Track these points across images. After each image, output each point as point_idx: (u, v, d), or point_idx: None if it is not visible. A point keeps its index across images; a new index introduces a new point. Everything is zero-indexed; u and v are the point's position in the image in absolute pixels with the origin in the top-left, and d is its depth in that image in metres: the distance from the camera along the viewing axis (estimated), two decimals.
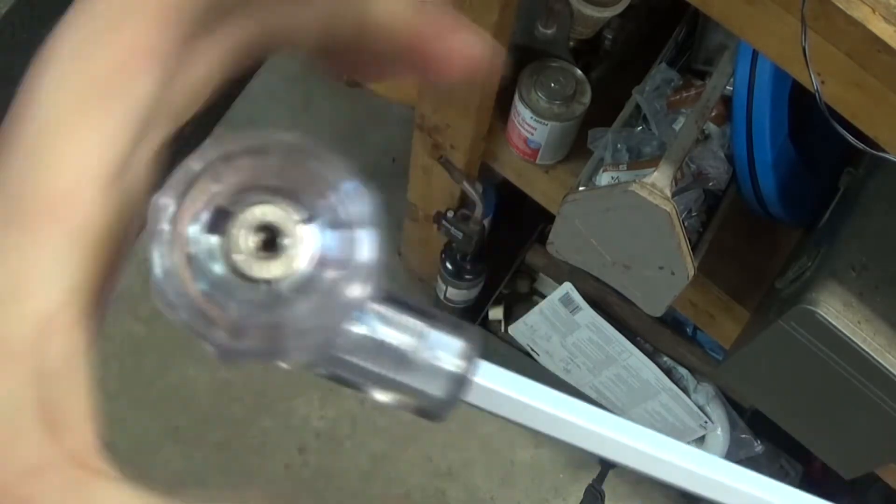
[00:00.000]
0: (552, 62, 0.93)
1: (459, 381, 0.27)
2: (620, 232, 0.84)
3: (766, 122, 0.84)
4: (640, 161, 0.90)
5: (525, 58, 0.94)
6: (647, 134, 0.93)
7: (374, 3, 0.24)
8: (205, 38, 0.23)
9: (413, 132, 1.07)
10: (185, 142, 0.25)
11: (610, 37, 1.00)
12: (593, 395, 1.32)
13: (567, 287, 1.19)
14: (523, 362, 1.34)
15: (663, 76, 0.94)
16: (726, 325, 0.98)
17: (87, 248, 0.21)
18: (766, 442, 1.25)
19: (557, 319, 1.24)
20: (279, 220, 0.23)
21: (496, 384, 0.28)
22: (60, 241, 0.20)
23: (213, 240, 0.23)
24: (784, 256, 0.93)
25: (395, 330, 0.27)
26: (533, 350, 1.33)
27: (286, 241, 0.23)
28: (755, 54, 0.81)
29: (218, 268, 0.23)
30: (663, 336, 1.22)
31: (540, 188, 1.03)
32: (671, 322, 1.22)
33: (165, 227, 0.23)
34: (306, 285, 0.23)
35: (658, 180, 0.78)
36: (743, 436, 1.25)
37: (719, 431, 1.24)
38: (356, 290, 0.24)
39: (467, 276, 1.27)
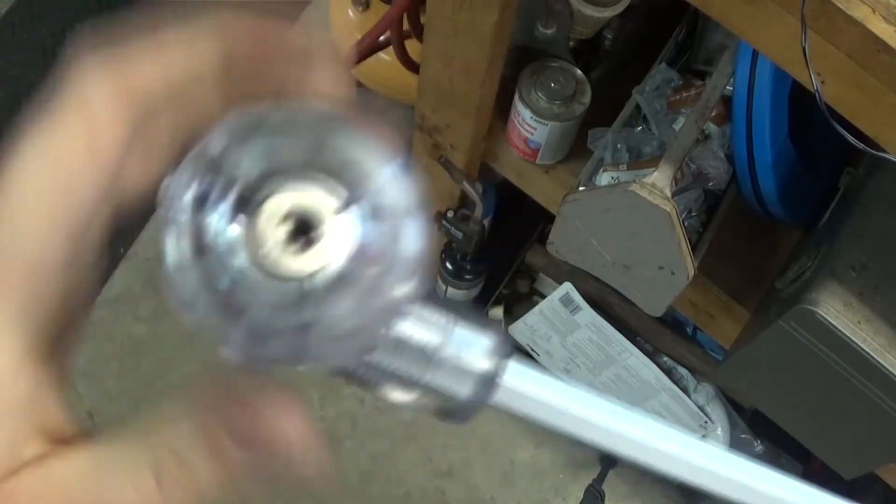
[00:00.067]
0: (552, 62, 0.93)
1: (487, 381, 0.25)
2: (620, 232, 0.84)
3: (766, 122, 0.84)
4: (640, 161, 0.90)
5: (525, 58, 0.94)
6: (647, 134, 0.93)
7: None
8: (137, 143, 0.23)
9: (413, 132, 1.07)
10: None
11: (610, 37, 1.00)
12: None
13: (567, 287, 1.19)
14: (523, 362, 1.34)
15: (663, 76, 0.94)
16: (726, 325, 0.98)
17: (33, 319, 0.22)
18: (766, 442, 1.25)
19: (557, 319, 1.24)
20: (312, 208, 0.20)
21: (528, 385, 0.26)
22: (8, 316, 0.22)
23: (236, 230, 0.20)
24: (784, 256, 0.93)
25: (419, 326, 0.24)
26: (533, 350, 1.33)
27: (320, 232, 0.20)
28: (755, 54, 0.80)
29: (241, 262, 0.20)
30: (663, 336, 1.22)
31: (540, 188, 1.03)
32: (671, 322, 1.22)
33: (181, 214, 0.20)
34: (342, 283, 0.20)
35: (658, 180, 0.78)
36: (743, 436, 1.25)
37: (719, 431, 1.24)
38: (400, 289, 0.20)
39: (467, 276, 1.27)
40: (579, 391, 0.26)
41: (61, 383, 0.24)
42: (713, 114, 0.86)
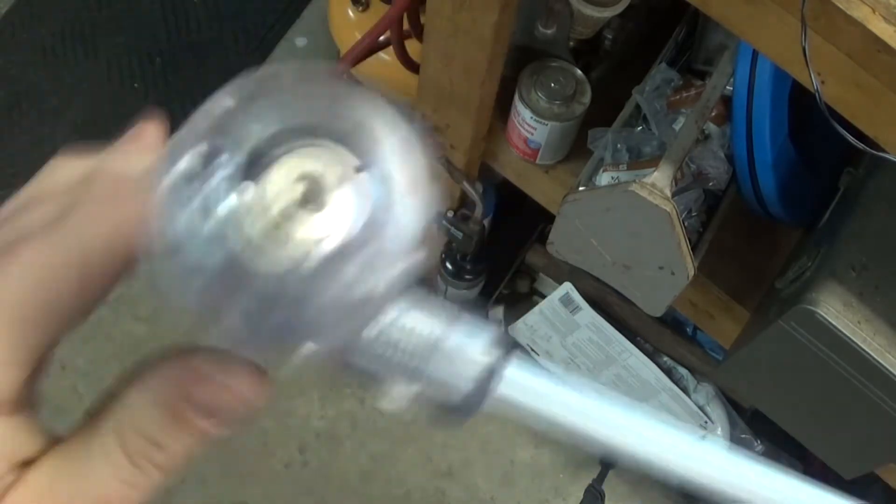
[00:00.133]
0: (552, 62, 0.93)
1: (492, 374, 0.24)
2: (620, 232, 0.84)
3: (766, 122, 0.84)
4: (640, 161, 0.90)
5: (525, 58, 0.94)
6: (647, 134, 0.93)
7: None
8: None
9: None
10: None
11: (610, 37, 1.00)
12: None
13: (567, 287, 1.19)
14: None
15: (663, 76, 0.94)
16: (726, 325, 0.98)
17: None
18: (766, 442, 1.25)
19: (557, 319, 1.24)
20: (321, 174, 0.19)
21: (531, 378, 0.24)
22: None
23: (245, 193, 0.19)
24: (784, 256, 0.93)
25: (423, 314, 0.23)
26: (533, 350, 1.33)
27: (328, 198, 0.19)
28: (755, 54, 0.80)
29: (247, 228, 0.19)
30: (663, 336, 1.22)
31: (540, 188, 1.03)
32: (671, 322, 1.22)
33: (184, 178, 0.19)
34: (349, 251, 0.19)
35: (658, 180, 0.78)
36: (743, 436, 1.25)
37: (719, 431, 1.24)
38: (407, 259, 0.20)
39: (467, 276, 1.27)
40: (583, 387, 0.26)
41: (33, 411, 0.25)
42: (713, 114, 0.86)
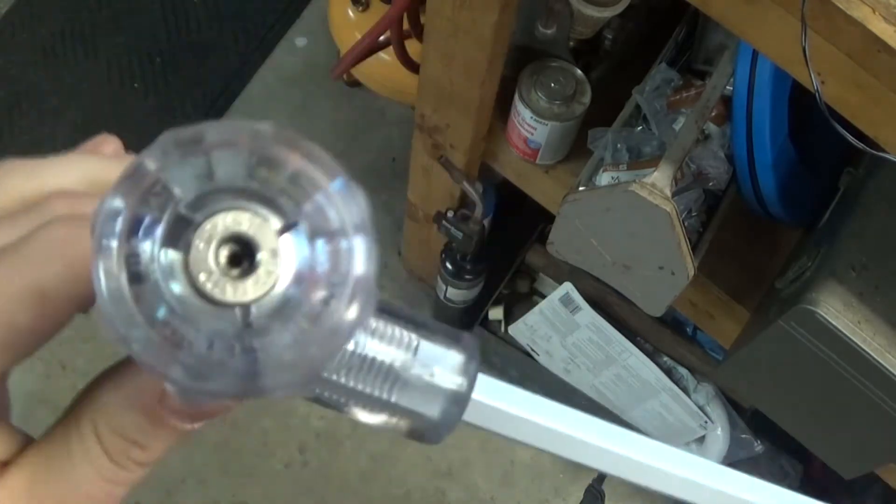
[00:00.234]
0: (552, 62, 0.93)
1: (458, 400, 0.23)
2: (620, 232, 0.84)
3: (766, 122, 0.84)
4: (640, 161, 0.90)
5: (525, 58, 0.94)
6: (647, 134, 0.93)
7: None
8: None
9: (413, 132, 1.07)
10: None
11: (610, 37, 1.00)
12: (593, 396, 1.32)
13: (567, 287, 1.19)
14: (523, 362, 1.34)
15: (663, 76, 0.94)
16: (726, 325, 0.98)
17: None
18: (766, 442, 1.25)
19: (557, 319, 1.24)
20: (253, 230, 0.19)
21: (498, 401, 0.24)
22: None
23: (173, 255, 0.18)
24: (784, 256, 0.93)
25: (384, 343, 0.23)
26: (533, 350, 1.33)
27: (262, 256, 0.19)
28: (755, 54, 0.80)
29: (179, 290, 0.18)
30: (663, 336, 1.22)
31: (540, 188, 1.03)
32: (671, 322, 1.22)
33: (112, 240, 0.18)
34: (288, 308, 0.19)
35: (658, 180, 0.78)
36: (743, 436, 1.25)
37: (719, 431, 1.24)
38: (351, 312, 0.19)
39: (467, 276, 1.27)
40: (553, 404, 0.25)
41: (4, 413, 0.26)
42: (713, 114, 0.86)
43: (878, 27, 0.57)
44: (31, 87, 1.53)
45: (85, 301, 0.23)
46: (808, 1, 0.57)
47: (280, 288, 0.19)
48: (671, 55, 0.97)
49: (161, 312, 0.18)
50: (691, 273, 0.83)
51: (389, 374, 0.23)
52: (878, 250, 0.75)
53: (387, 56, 1.18)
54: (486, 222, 1.17)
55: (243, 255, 0.19)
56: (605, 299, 1.19)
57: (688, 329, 1.23)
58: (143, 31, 1.60)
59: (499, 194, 1.21)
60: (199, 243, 0.18)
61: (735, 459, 1.25)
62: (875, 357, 0.70)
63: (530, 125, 0.93)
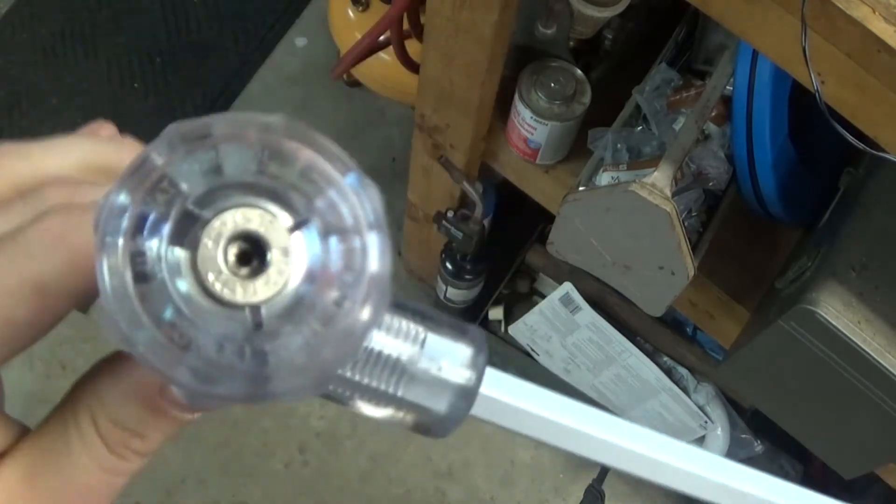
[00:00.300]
0: (552, 62, 0.93)
1: (466, 395, 0.23)
2: (620, 232, 0.84)
3: (766, 122, 0.84)
4: (640, 161, 0.90)
5: (525, 58, 0.94)
6: (647, 134, 0.93)
7: None
8: None
9: (413, 132, 1.07)
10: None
11: (610, 37, 1.00)
12: (593, 396, 1.32)
13: (567, 287, 1.19)
14: (523, 362, 1.34)
15: (663, 76, 0.94)
16: (726, 325, 0.98)
17: None
18: (766, 442, 1.25)
19: (557, 319, 1.24)
20: (264, 228, 0.18)
21: (506, 395, 0.24)
22: None
23: (180, 253, 0.18)
24: (784, 256, 0.93)
25: (390, 336, 0.22)
26: (533, 350, 1.33)
27: (273, 253, 0.18)
28: (755, 54, 0.80)
29: (186, 289, 0.17)
30: (663, 336, 1.22)
31: (540, 188, 1.03)
32: (671, 322, 1.22)
33: (118, 238, 0.17)
34: (300, 309, 0.18)
35: (658, 180, 0.78)
36: (743, 436, 1.25)
37: (719, 431, 1.24)
38: (365, 313, 0.18)
39: (467, 276, 1.27)
40: (561, 398, 0.25)
41: None
42: (713, 114, 0.86)
43: (878, 27, 0.57)
44: (31, 87, 1.53)
45: (84, 294, 0.23)
46: (808, 1, 0.57)
47: (291, 288, 0.18)
48: (671, 55, 0.97)
49: (168, 313, 0.17)
50: (691, 273, 0.83)
51: (396, 368, 0.22)
52: (878, 250, 0.75)
53: (387, 56, 1.18)
54: (486, 222, 1.17)
55: (252, 253, 0.18)
56: (605, 299, 1.19)
57: (688, 329, 1.23)
58: (143, 31, 1.60)
59: (499, 194, 1.21)
60: (207, 241, 0.18)
61: (735, 459, 1.24)
62: (875, 357, 0.70)
63: (530, 125, 0.93)
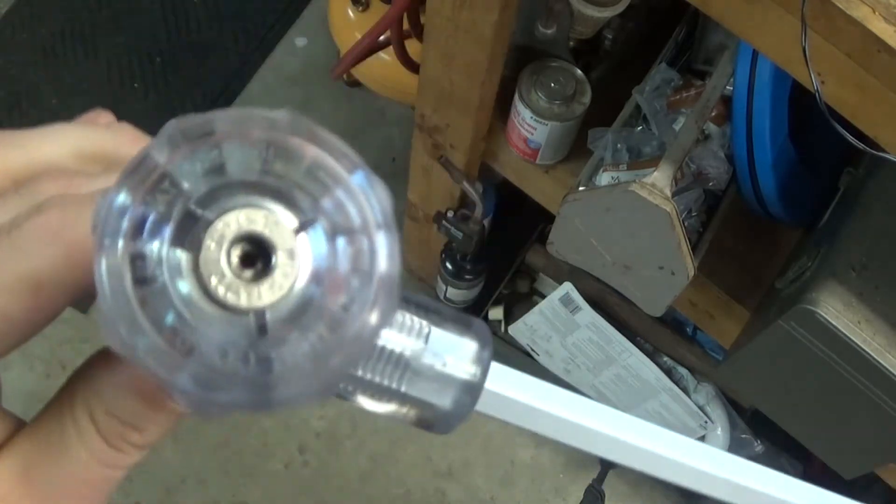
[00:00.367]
0: (552, 62, 0.93)
1: (471, 390, 0.22)
2: (620, 232, 0.84)
3: (766, 122, 0.84)
4: (640, 161, 0.90)
5: (525, 58, 0.94)
6: (647, 134, 0.93)
7: None
8: None
9: (413, 132, 1.07)
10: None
11: (610, 37, 1.00)
12: (593, 396, 1.32)
13: (567, 287, 1.19)
14: (523, 362, 1.34)
15: (663, 76, 0.94)
16: (726, 325, 0.98)
17: None
18: (766, 442, 1.25)
19: (557, 319, 1.24)
20: (268, 229, 0.17)
21: (510, 390, 0.23)
22: None
23: (181, 255, 0.17)
24: (784, 256, 0.93)
25: (394, 331, 0.21)
26: (533, 350, 1.33)
27: (278, 257, 0.17)
28: (755, 54, 0.80)
29: (187, 293, 0.17)
30: (663, 336, 1.22)
31: (540, 188, 1.03)
32: (671, 322, 1.22)
33: (117, 239, 0.17)
34: (306, 314, 0.17)
35: (658, 180, 0.78)
36: (743, 436, 1.25)
37: (719, 431, 1.24)
38: (373, 317, 0.17)
39: (467, 276, 1.27)
40: (565, 394, 0.25)
41: None
42: (713, 114, 0.86)
43: (878, 27, 0.57)
44: (31, 87, 1.53)
45: (80, 290, 0.23)
46: (808, 1, 0.57)
47: (297, 291, 0.17)
48: (671, 55, 0.97)
49: (169, 318, 0.17)
50: (691, 273, 0.83)
51: (400, 364, 0.21)
52: (878, 250, 0.75)
53: (387, 56, 1.18)
54: (486, 222, 1.17)
55: (257, 255, 0.17)
56: (605, 299, 1.19)
57: (688, 329, 1.23)
58: (143, 31, 1.60)
59: (499, 194, 1.21)
60: (209, 243, 0.17)
61: None
62: (875, 357, 0.70)
63: (530, 125, 0.93)
